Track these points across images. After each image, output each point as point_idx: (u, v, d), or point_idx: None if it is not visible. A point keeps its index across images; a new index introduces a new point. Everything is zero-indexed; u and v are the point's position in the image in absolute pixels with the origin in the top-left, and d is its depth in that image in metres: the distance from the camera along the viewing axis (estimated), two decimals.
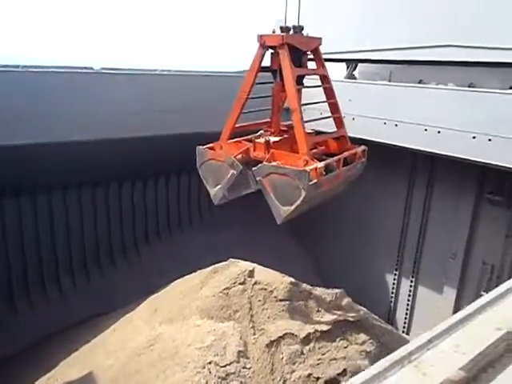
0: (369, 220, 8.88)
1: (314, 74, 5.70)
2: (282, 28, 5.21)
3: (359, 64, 9.03)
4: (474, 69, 7.49)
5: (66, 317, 7.23)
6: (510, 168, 6.16)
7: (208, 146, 5.35)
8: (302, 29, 5.29)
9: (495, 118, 6.23)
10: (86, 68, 7.00)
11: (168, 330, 5.46)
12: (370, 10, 8.22)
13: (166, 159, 7.60)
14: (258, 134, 5.49)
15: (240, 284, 5.62)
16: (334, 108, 5.76)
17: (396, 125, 7.07)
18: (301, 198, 4.50)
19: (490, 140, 6.25)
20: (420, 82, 7.84)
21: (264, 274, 5.89)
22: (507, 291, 0.79)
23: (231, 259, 6.13)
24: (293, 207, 4.60)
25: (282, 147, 5.29)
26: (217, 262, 6.23)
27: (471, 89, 6.82)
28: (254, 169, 4.86)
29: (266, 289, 5.64)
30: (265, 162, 4.78)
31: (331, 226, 9.43)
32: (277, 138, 5.48)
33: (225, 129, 5.33)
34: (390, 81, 8.29)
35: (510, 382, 0.48)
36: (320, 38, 5.49)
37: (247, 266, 5.89)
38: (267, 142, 5.27)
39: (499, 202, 7.20)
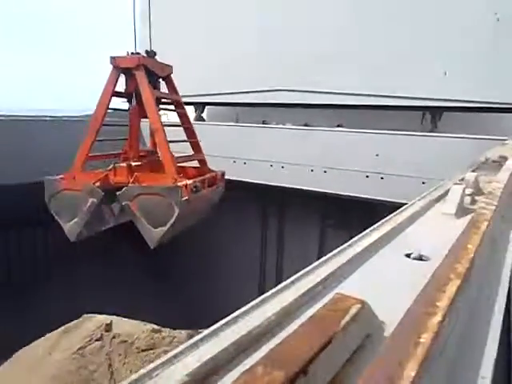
0: (229, 254, 9.10)
1: (170, 99, 5.85)
2: (132, 53, 5.25)
3: (207, 106, 9.47)
4: (307, 110, 8.44)
5: None
6: (343, 195, 7.00)
7: (58, 176, 4.97)
8: (155, 54, 5.40)
9: (327, 152, 7.07)
10: None
11: None
12: (216, 56, 8.77)
13: (8, 210, 6.80)
14: (111, 167, 5.29)
15: (96, 340, 5.22)
16: (191, 133, 5.97)
17: (245, 163, 7.53)
18: (174, 216, 4.44)
19: (325, 172, 7.04)
20: (263, 122, 8.52)
21: (123, 324, 5.58)
22: (265, 299, 0.90)
23: (85, 315, 5.67)
24: (167, 227, 4.49)
25: (144, 171, 5.25)
26: (73, 319, 5.71)
27: (306, 127, 7.65)
28: (118, 193, 4.65)
29: (126, 341, 5.33)
30: (130, 185, 4.65)
31: (194, 264, 9.38)
32: (138, 163, 5.44)
33: (78, 156, 5.02)
34: (237, 122, 8.84)
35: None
36: (171, 66, 5.68)
37: (104, 319, 5.51)
38: (129, 165, 5.18)
39: (338, 224, 8.07)
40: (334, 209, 8.22)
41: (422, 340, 0.61)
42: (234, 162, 7.55)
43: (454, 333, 0.80)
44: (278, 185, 7.40)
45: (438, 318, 0.68)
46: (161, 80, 5.74)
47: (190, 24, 9.12)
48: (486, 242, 1.24)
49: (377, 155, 6.76)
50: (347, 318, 0.73)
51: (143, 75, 4.95)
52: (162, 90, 5.81)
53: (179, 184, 4.53)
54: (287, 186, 7.36)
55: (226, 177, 7.41)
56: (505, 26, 6.51)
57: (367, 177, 6.83)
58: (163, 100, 5.88)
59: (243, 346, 0.74)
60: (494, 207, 1.53)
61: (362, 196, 6.90)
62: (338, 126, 8.12)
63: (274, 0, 8.29)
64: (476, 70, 6.67)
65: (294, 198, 8.27)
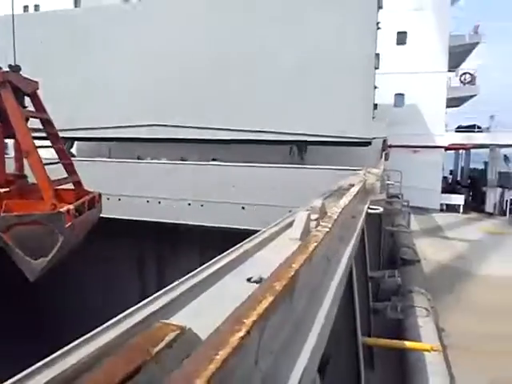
0: (105, 294, 8.49)
1: (39, 117, 5.41)
2: None
3: (76, 142, 8.99)
4: (183, 145, 8.54)
5: None
6: (222, 227, 7.13)
7: None
8: (20, 68, 4.98)
9: (203, 186, 7.18)
10: None
11: None
12: (86, 90, 8.43)
13: None
14: None
15: None
16: (63, 154, 5.59)
17: (119, 199, 7.26)
18: (58, 244, 4.08)
19: (202, 206, 7.12)
20: (138, 157, 8.37)
21: None
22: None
23: None
24: (49, 257, 4.07)
25: (14, 198, 4.80)
26: None
27: (180, 162, 7.71)
28: None
29: None
30: (3, 214, 4.18)
31: (66, 305, 8.56)
32: (6, 189, 4.93)
33: None
34: (109, 157, 8.53)
35: None
36: (37, 82, 5.30)
37: None
38: None
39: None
40: (213, 241, 8.28)
41: (217, 357, 0.65)
42: (108, 198, 7.21)
43: (267, 345, 0.87)
44: (156, 220, 7.26)
45: (240, 333, 0.73)
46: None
47: (60, 54, 8.69)
48: (316, 260, 1.38)
49: (250, 187, 7.07)
50: (162, 344, 0.75)
51: (9, 92, 4.57)
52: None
53: (61, 210, 4.22)
54: (165, 221, 7.27)
55: (102, 215, 7.07)
56: (354, 76, 7.49)
57: (243, 208, 7.08)
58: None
59: None
60: (327, 229, 1.71)
61: (240, 227, 7.10)
62: (213, 159, 8.35)
63: (147, 36, 8.35)
64: (332, 110, 7.49)
65: (172, 232, 8.16)
